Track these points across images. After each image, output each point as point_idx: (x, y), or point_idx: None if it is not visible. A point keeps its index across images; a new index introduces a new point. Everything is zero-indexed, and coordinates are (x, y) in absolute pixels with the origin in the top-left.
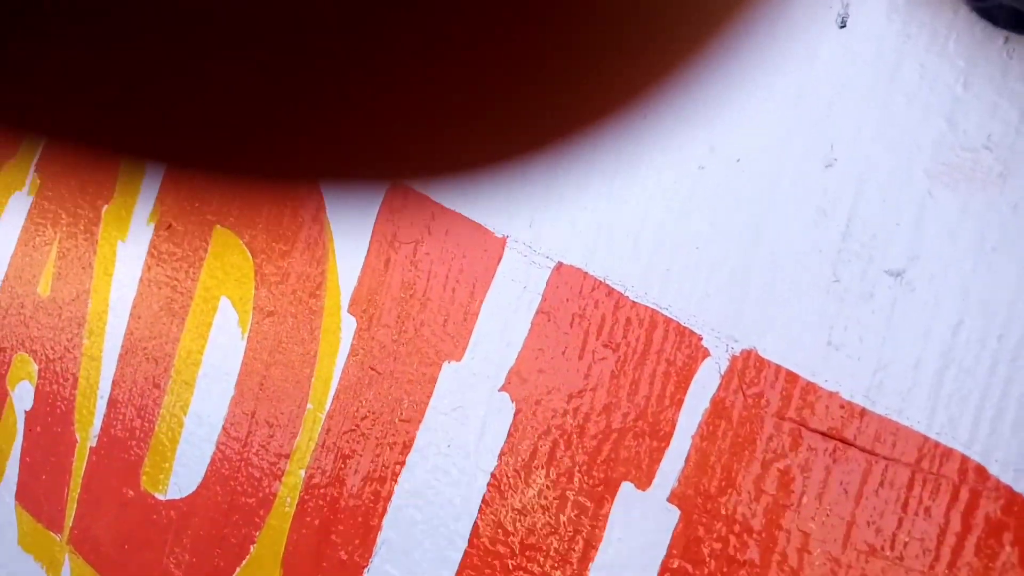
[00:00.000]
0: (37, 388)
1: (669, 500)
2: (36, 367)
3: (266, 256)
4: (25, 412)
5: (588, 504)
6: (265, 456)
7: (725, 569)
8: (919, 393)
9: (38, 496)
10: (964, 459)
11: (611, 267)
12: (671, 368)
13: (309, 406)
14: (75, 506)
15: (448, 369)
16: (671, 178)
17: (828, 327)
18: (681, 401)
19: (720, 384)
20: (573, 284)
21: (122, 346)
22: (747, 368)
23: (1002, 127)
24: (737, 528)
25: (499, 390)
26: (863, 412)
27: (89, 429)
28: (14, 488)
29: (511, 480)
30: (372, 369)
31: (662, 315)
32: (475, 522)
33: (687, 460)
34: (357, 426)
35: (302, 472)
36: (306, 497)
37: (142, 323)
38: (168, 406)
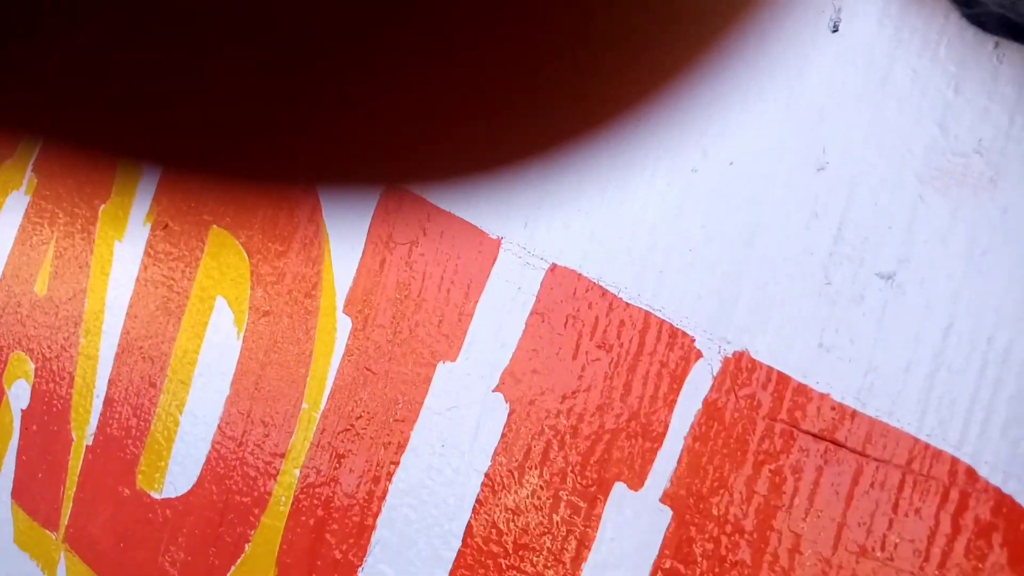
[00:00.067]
0: (33, 387)
1: (661, 500)
2: (32, 366)
3: (262, 256)
4: (21, 411)
5: (581, 504)
6: (260, 455)
7: (717, 569)
8: (910, 395)
9: (34, 494)
10: (954, 461)
11: (605, 269)
12: (664, 369)
13: (304, 406)
14: (71, 504)
15: (443, 369)
16: (664, 181)
17: (820, 329)
18: (674, 402)
19: (712, 385)
20: (567, 285)
21: (118, 345)
22: (739, 370)
23: (993, 131)
24: (729, 528)
25: (493, 390)
26: (854, 414)
27: (85, 428)
28: (10, 486)
29: (505, 480)
30: (367, 369)
31: (655, 316)
32: (469, 522)
33: (679, 461)
34: (352, 426)
35: (297, 471)
36: (301, 496)
37: (138, 322)
38: (164, 405)
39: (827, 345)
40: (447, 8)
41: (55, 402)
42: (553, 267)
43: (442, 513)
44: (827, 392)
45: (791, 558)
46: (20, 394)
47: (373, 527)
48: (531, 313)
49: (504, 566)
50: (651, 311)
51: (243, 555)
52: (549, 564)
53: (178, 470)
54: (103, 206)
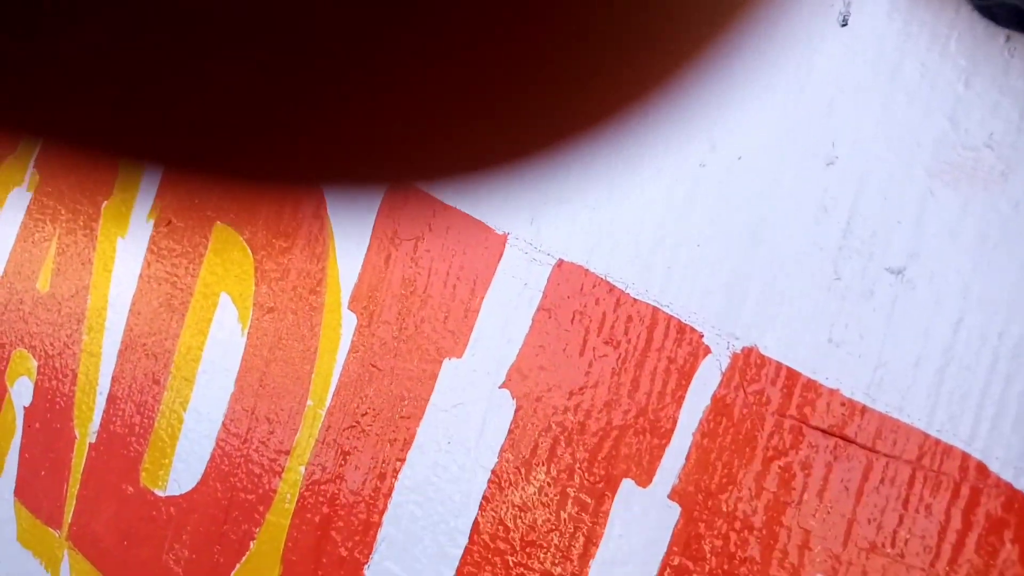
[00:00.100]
0: (36, 384)
1: (670, 497)
2: (35, 363)
3: (266, 252)
4: (24, 408)
5: (589, 501)
6: (265, 452)
7: (726, 566)
8: (920, 390)
9: (37, 492)
10: (965, 456)
11: (612, 264)
12: (672, 365)
13: (309, 402)
14: (74, 502)
15: (448, 366)
16: (672, 176)
17: (829, 324)
18: (682, 398)
19: (721, 381)
20: (574, 281)
21: (121, 342)
22: (748, 365)
23: (1004, 125)
24: (738, 525)
25: (500, 387)
26: (864, 409)
27: (88, 425)
28: (13, 484)
29: (512, 477)
30: (372, 366)
31: (663, 312)
32: (475, 519)
33: (688, 457)
34: (357, 422)
35: (302, 468)
36: (306, 493)
37: (142, 319)
38: (168, 402)
39: (836, 340)
40: (447, 8)
41: (58, 399)
42: (560, 263)
43: (448, 510)
44: (836, 388)
45: (801, 554)
46: (23, 391)
47: (379, 524)
48: (538, 309)
49: (511, 563)
50: (659, 307)
51: (248, 553)
52: (557, 561)
53: (182, 467)
54: (106, 202)
